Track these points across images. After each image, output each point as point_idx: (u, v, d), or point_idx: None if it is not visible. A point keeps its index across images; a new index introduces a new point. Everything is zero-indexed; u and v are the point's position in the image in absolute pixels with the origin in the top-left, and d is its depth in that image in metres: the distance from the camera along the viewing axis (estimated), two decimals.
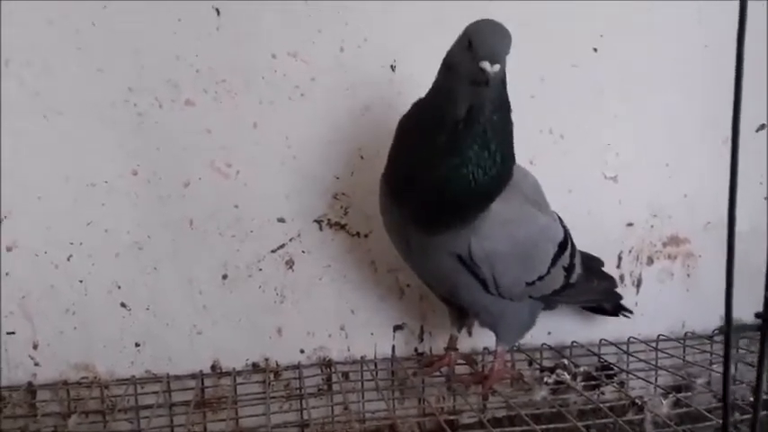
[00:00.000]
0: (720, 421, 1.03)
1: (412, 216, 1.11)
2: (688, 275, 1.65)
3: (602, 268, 1.48)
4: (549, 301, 1.31)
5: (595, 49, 1.53)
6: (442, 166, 1.04)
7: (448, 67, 1.05)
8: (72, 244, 1.35)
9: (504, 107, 1.07)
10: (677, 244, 1.64)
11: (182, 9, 1.33)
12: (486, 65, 0.96)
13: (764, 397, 1.09)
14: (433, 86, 1.09)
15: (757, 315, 0.49)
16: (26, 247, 1.34)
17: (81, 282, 1.36)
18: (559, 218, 1.29)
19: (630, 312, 1.53)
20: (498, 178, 1.07)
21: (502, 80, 1.04)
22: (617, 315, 1.53)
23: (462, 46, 1.01)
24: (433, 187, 1.05)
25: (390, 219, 1.20)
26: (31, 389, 1.35)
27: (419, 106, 1.11)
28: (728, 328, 0.47)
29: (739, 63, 0.42)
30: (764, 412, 0.98)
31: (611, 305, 1.51)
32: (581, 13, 1.50)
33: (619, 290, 1.55)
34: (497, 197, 1.08)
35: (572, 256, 1.29)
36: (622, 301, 1.51)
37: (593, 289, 1.41)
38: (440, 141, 1.03)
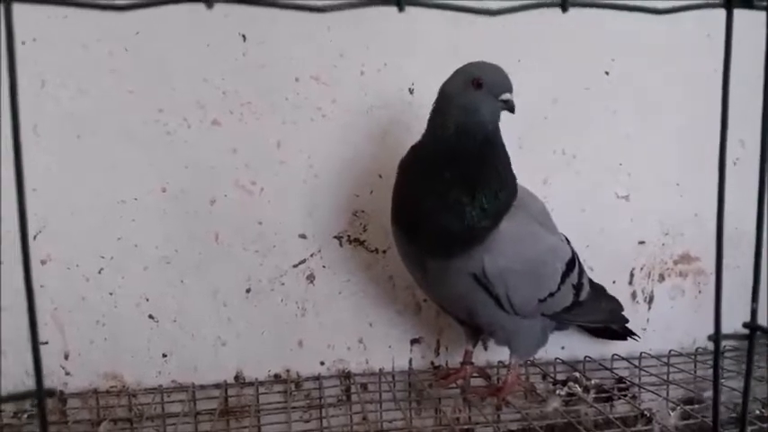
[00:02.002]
0: (726, 430, 1.06)
1: (426, 247, 1.17)
2: (699, 292, 1.68)
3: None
4: (561, 320, 1.35)
5: (607, 72, 1.57)
6: (456, 197, 1.11)
7: (458, 106, 1.12)
8: (103, 258, 1.41)
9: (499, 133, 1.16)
10: (688, 262, 1.67)
11: (210, 35, 1.39)
12: (508, 96, 1.13)
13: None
14: (435, 128, 1.16)
15: (745, 325, 0.53)
16: (59, 260, 1.39)
17: (111, 294, 1.42)
18: (566, 239, 1.34)
19: (638, 336, 1.57)
20: (507, 198, 1.15)
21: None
22: (625, 338, 1.56)
23: (466, 86, 1.12)
24: (446, 219, 1.12)
25: (404, 249, 1.25)
26: (62, 397, 1.40)
27: (422, 147, 1.18)
28: (717, 336, 0.50)
29: (725, 86, 0.47)
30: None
31: (619, 327, 1.54)
32: (593, 38, 1.54)
33: (630, 307, 1.59)
34: (506, 216, 1.14)
35: (580, 275, 1.34)
36: (629, 325, 1.54)
37: (602, 309, 1.44)
38: (451, 175, 1.11)
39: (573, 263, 1.31)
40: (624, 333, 1.55)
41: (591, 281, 1.42)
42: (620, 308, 1.49)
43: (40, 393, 0.41)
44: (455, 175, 1.11)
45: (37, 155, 1.34)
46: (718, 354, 0.51)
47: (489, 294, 1.18)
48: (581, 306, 1.35)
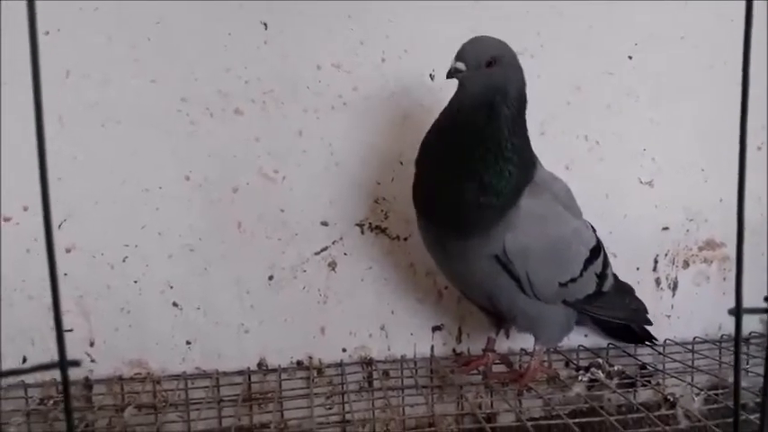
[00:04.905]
0: (751, 416, 1.06)
1: (443, 227, 1.18)
2: (724, 279, 1.66)
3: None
4: (583, 311, 1.33)
5: (630, 57, 1.56)
6: (457, 173, 1.12)
7: None
8: (127, 246, 1.42)
9: (497, 106, 1.12)
10: (713, 248, 1.65)
11: (232, 24, 1.40)
12: (452, 62, 1.10)
13: None
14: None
15: (766, 298, 0.52)
16: (84, 248, 1.41)
17: (135, 282, 1.43)
18: (593, 227, 1.33)
19: (656, 339, 1.54)
20: (516, 173, 1.13)
21: (486, 84, 1.12)
22: (643, 342, 1.54)
23: None
24: (454, 196, 1.13)
25: (426, 232, 1.25)
26: (87, 383, 1.42)
27: (431, 125, 1.20)
28: (739, 310, 0.50)
29: (745, 72, 0.46)
30: None
31: (639, 328, 1.51)
32: (615, 24, 1.54)
33: (655, 293, 1.59)
34: (526, 194, 1.14)
35: (604, 265, 1.32)
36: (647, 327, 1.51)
37: (626, 306, 1.42)
38: (448, 151, 1.14)
39: (597, 251, 1.30)
40: (642, 336, 1.53)
41: (617, 278, 1.40)
42: (645, 310, 1.46)
43: (63, 363, 0.42)
44: (451, 153, 1.13)
45: (62, 144, 1.36)
46: (739, 327, 0.51)
47: (511, 276, 1.18)
48: (603, 297, 1.33)
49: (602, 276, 1.31)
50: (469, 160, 1.11)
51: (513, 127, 1.13)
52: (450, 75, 1.10)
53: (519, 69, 1.16)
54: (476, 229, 1.13)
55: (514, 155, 1.13)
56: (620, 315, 1.42)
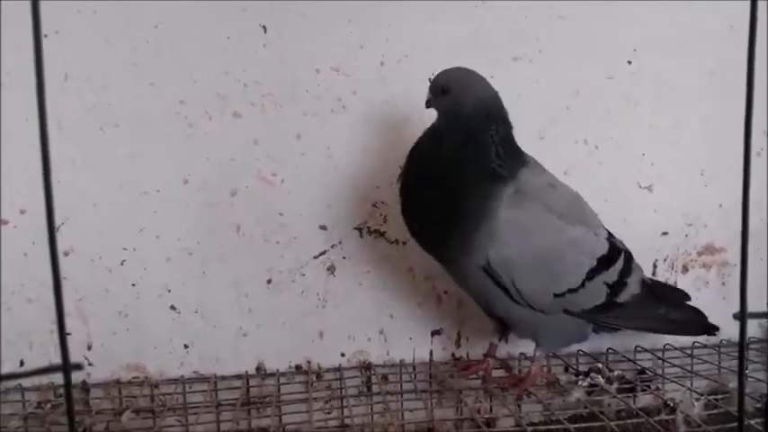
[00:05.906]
0: (751, 421, 1.05)
1: (433, 247, 1.23)
2: (723, 284, 1.65)
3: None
4: (596, 321, 1.30)
5: (630, 62, 1.56)
6: (425, 194, 1.19)
7: None
8: (125, 249, 1.42)
9: (450, 127, 1.19)
10: (712, 253, 1.64)
11: (231, 27, 1.40)
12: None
13: None
14: None
15: None
16: (82, 252, 1.41)
17: (133, 285, 1.43)
18: (611, 234, 1.31)
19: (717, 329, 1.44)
20: (471, 183, 1.15)
21: (442, 110, 1.21)
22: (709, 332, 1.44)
23: None
24: (426, 212, 1.19)
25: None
26: (85, 387, 1.42)
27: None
28: (743, 315, 0.50)
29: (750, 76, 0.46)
30: None
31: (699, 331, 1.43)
32: (615, 29, 1.53)
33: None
34: (508, 204, 1.14)
35: (622, 274, 1.28)
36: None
37: (658, 317, 1.36)
38: (420, 174, 1.22)
39: (609, 260, 1.25)
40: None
41: (653, 286, 1.38)
42: (689, 321, 1.39)
43: (67, 366, 0.41)
44: (422, 177, 1.21)
45: (61, 147, 1.36)
46: (744, 331, 0.50)
47: (500, 286, 1.17)
48: (621, 308, 1.29)
49: (615, 286, 1.26)
50: (435, 181, 1.17)
51: (466, 141, 1.16)
52: (426, 104, 1.22)
53: (473, 89, 1.19)
54: (456, 242, 1.16)
55: (473, 164, 1.15)
56: (642, 326, 1.39)
